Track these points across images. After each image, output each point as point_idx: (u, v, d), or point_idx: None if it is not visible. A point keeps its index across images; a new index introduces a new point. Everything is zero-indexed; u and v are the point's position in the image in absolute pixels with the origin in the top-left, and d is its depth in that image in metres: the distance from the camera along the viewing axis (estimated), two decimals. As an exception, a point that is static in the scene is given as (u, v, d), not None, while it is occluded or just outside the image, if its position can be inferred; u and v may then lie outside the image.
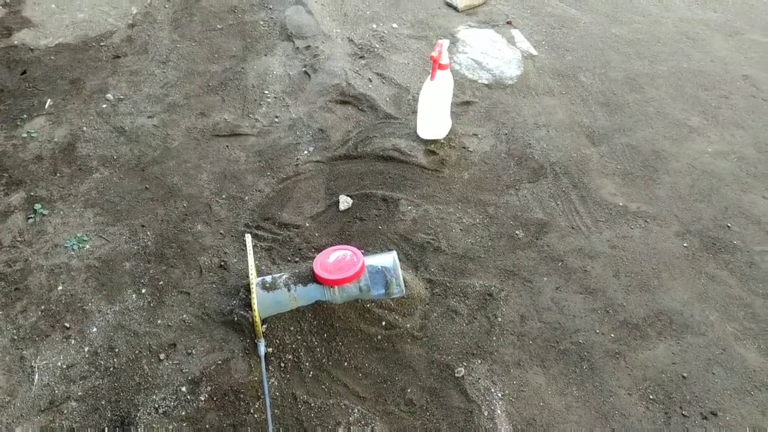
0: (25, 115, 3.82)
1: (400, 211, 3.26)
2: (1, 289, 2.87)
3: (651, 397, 2.54)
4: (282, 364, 2.61)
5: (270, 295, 2.67)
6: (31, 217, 3.20)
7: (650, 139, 3.80)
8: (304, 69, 4.27)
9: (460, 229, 3.20)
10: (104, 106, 3.92)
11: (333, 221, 3.23)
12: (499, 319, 2.80)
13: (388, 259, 2.77)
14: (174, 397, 2.51)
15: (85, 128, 3.74)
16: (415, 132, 3.72)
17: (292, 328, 2.70)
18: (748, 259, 3.11)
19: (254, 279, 2.67)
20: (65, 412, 2.46)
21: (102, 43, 4.46)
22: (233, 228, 3.18)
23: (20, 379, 2.56)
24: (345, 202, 3.30)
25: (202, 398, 2.50)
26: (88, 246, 3.08)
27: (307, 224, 3.21)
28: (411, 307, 2.81)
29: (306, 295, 2.71)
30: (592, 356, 2.68)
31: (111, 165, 3.52)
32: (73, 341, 2.69)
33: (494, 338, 2.73)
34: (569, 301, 2.89)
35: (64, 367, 2.60)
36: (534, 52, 4.54)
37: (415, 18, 4.88)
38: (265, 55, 4.41)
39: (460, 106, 3.97)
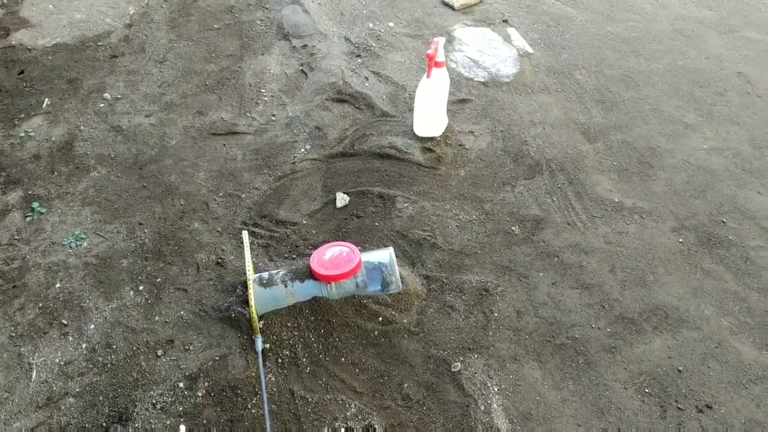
0: (22, 115, 3.83)
1: (397, 208, 3.27)
2: (-2, 287, 2.89)
3: (647, 390, 2.56)
4: (279, 360, 2.62)
5: (267, 291, 2.68)
6: (28, 216, 3.21)
7: (646, 136, 3.81)
8: (300, 68, 4.28)
9: (457, 226, 3.21)
10: (102, 105, 3.93)
11: (330, 218, 3.24)
12: (496, 315, 2.81)
13: (384, 255, 2.78)
14: (171, 392, 2.51)
15: (82, 127, 3.75)
16: (412, 130, 3.73)
17: (289, 324, 2.71)
18: (743, 254, 3.12)
19: (251, 275, 2.68)
20: (63, 408, 2.47)
21: (99, 43, 4.47)
22: (230, 225, 3.20)
23: (18, 375, 2.56)
24: (342, 199, 3.31)
25: (200, 394, 2.51)
26: (85, 244, 3.09)
27: (304, 221, 3.22)
28: (407, 302, 2.83)
29: (303, 291, 2.72)
30: (588, 351, 2.69)
31: (108, 163, 3.53)
32: (70, 338, 2.70)
33: (490, 333, 2.74)
34: (565, 296, 2.90)
35: (62, 363, 2.61)
36: (530, 50, 4.55)
37: (411, 17, 4.89)
38: (262, 54, 4.42)
39: (457, 104, 3.98)
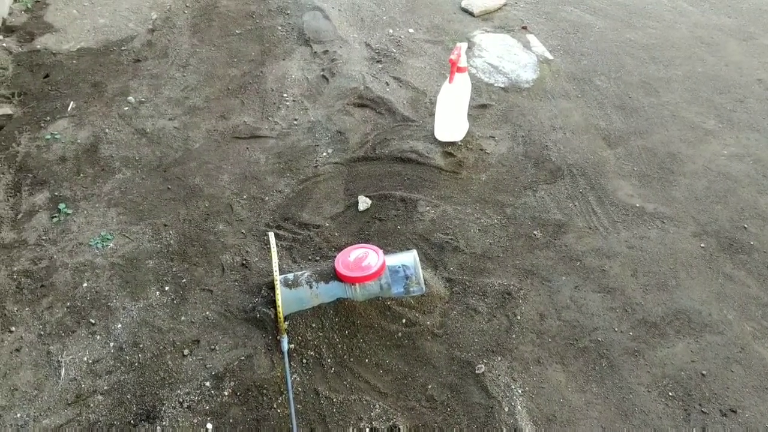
0: (48, 118, 3.88)
1: (419, 211, 3.30)
2: (27, 286, 2.92)
3: (670, 394, 2.56)
4: (304, 361, 2.65)
5: (293, 292, 2.71)
6: (55, 217, 3.25)
7: (666, 142, 3.82)
8: (322, 73, 4.32)
9: (479, 230, 3.23)
10: (126, 108, 3.98)
11: (352, 221, 3.27)
12: (519, 318, 2.83)
13: (408, 257, 2.80)
14: (198, 391, 2.54)
15: (107, 130, 3.80)
16: (433, 134, 3.76)
17: (314, 325, 2.73)
18: (765, 259, 3.12)
19: (278, 276, 2.71)
20: (92, 405, 2.50)
21: (123, 48, 4.53)
22: (254, 227, 3.23)
23: (47, 373, 2.60)
24: (364, 202, 3.34)
25: (226, 393, 2.54)
26: (111, 244, 3.13)
27: (327, 224, 3.25)
28: (431, 305, 2.85)
29: (328, 292, 2.74)
30: (611, 354, 2.70)
31: (133, 166, 3.57)
32: (98, 337, 2.73)
33: (514, 336, 2.76)
34: (588, 300, 2.92)
35: (90, 362, 2.64)
36: (549, 56, 4.58)
37: (431, 23, 4.92)
38: (284, 60, 4.46)
39: (477, 109, 4.00)
